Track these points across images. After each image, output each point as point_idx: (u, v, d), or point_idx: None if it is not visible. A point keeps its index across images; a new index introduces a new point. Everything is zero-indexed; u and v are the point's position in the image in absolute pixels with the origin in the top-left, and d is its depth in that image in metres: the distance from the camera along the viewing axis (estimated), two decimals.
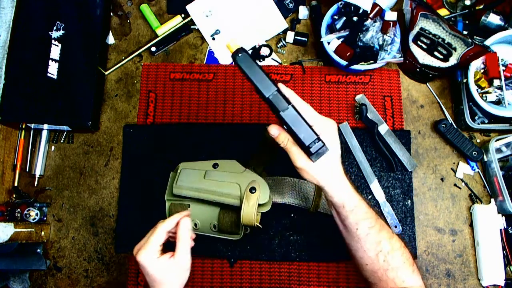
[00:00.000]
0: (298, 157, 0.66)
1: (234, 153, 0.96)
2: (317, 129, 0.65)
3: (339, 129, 0.97)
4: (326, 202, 0.73)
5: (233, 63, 0.99)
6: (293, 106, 0.64)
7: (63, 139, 0.99)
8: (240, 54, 0.65)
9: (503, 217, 0.92)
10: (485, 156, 0.94)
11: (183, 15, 1.05)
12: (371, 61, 0.93)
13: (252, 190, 0.77)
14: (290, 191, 0.87)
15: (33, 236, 0.90)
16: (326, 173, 0.66)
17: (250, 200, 0.76)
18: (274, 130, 0.68)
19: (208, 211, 0.85)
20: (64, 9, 0.96)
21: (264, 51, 1.03)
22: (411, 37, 0.96)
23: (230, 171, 0.83)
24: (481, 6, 0.96)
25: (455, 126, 0.96)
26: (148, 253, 0.66)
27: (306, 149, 0.64)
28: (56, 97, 0.93)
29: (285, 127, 0.66)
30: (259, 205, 0.78)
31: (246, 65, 0.65)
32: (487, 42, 0.92)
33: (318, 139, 0.64)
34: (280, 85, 0.66)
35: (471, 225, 0.93)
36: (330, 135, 0.67)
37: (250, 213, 0.76)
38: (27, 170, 0.97)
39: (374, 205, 0.94)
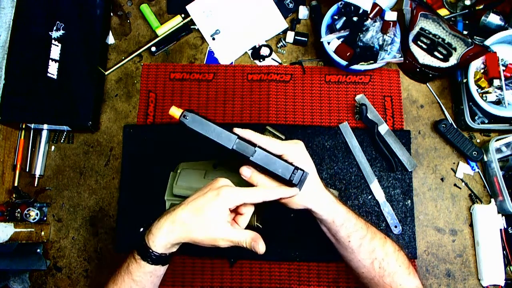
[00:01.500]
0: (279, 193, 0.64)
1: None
2: (289, 157, 0.65)
3: (339, 129, 0.97)
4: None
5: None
6: (259, 147, 0.63)
7: (63, 139, 0.99)
8: (187, 117, 0.62)
9: (503, 217, 0.92)
10: (485, 156, 0.94)
11: (183, 15, 1.05)
12: (371, 61, 0.93)
13: None
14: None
15: (33, 236, 0.90)
16: (310, 195, 0.67)
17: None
18: (246, 171, 0.65)
19: None
20: (64, 9, 0.96)
21: (264, 51, 1.03)
22: (411, 37, 0.96)
23: (230, 170, 0.81)
24: (481, 6, 0.96)
25: (455, 126, 0.96)
26: (235, 196, 0.61)
27: (288, 182, 0.64)
28: (56, 97, 0.93)
29: (259, 169, 0.65)
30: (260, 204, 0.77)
31: (197, 125, 0.63)
32: (487, 42, 0.92)
33: (296, 168, 0.63)
34: (237, 130, 0.64)
35: (471, 225, 0.93)
36: (302, 157, 0.66)
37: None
38: (27, 170, 0.97)
39: (374, 205, 0.94)
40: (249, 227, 0.75)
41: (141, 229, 0.64)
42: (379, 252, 0.68)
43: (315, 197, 0.67)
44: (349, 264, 0.72)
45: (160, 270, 0.64)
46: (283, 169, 0.63)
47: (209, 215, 0.60)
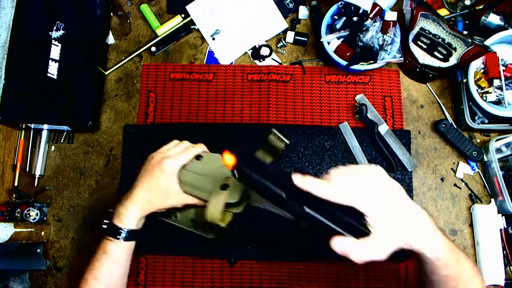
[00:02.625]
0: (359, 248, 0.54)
1: (234, 153, 0.96)
2: (361, 205, 0.53)
3: (339, 129, 0.97)
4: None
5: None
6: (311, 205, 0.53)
7: (63, 139, 0.99)
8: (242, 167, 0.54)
9: (503, 217, 0.92)
10: (485, 156, 0.94)
11: (183, 15, 1.05)
12: (371, 61, 0.93)
13: (225, 187, 0.69)
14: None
15: (33, 236, 0.90)
16: (417, 233, 0.54)
17: (218, 197, 0.68)
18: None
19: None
20: (64, 9, 0.96)
21: (264, 51, 1.03)
22: (411, 37, 0.96)
23: (211, 165, 0.75)
24: (481, 6, 0.96)
25: (455, 126, 0.96)
26: (175, 166, 0.72)
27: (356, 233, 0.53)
28: (56, 97, 0.93)
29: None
30: (230, 204, 0.70)
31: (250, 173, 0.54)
32: (487, 42, 0.92)
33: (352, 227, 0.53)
34: (295, 179, 0.53)
35: (471, 225, 0.93)
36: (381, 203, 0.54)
37: (215, 210, 0.67)
38: (27, 170, 0.97)
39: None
40: (215, 226, 0.70)
41: (106, 221, 0.73)
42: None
43: (424, 236, 0.55)
44: None
45: (133, 244, 0.73)
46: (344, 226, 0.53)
47: (163, 188, 0.72)
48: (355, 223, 0.54)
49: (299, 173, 0.54)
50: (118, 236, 0.70)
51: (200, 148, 0.77)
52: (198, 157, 0.76)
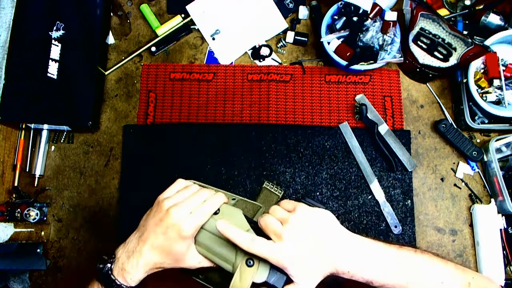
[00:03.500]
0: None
1: (234, 153, 0.96)
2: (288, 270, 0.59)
3: (339, 129, 0.97)
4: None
5: (232, 63, 0.94)
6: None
7: (63, 139, 0.99)
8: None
9: (503, 217, 0.92)
10: (485, 156, 0.94)
11: (183, 15, 1.05)
12: (371, 61, 0.93)
13: (249, 261, 0.61)
14: None
15: (33, 236, 0.90)
16: (332, 259, 0.60)
17: (244, 275, 0.61)
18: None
19: None
20: (64, 9, 0.96)
21: (264, 51, 1.03)
22: (411, 37, 0.96)
23: (231, 223, 0.65)
24: (481, 6, 0.96)
25: (455, 126, 0.96)
26: (194, 228, 0.62)
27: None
28: (56, 97, 0.93)
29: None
30: (256, 284, 0.62)
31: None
32: (487, 42, 0.92)
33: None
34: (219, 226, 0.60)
35: (471, 225, 0.93)
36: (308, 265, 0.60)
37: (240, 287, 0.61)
38: (27, 170, 0.97)
39: (374, 204, 0.94)
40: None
41: (108, 265, 0.64)
42: None
43: (340, 258, 0.60)
44: None
45: None
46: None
47: (178, 253, 0.63)
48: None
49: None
50: None
51: (221, 198, 0.67)
52: (216, 211, 0.67)
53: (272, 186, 0.87)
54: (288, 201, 0.66)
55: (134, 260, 0.62)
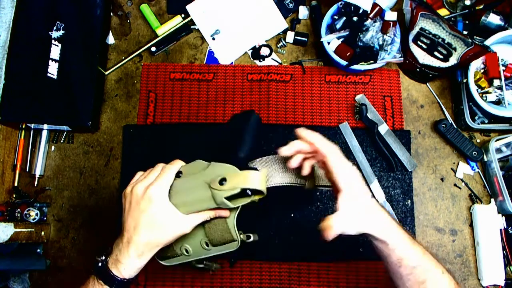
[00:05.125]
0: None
1: (234, 153, 0.96)
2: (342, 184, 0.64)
3: (339, 129, 0.97)
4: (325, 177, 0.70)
5: (232, 63, 0.98)
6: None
7: (63, 139, 0.99)
8: None
9: (503, 217, 0.92)
10: (485, 156, 0.94)
11: (183, 15, 1.05)
12: (371, 61, 0.93)
13: (223, 181, 0.64)
14: (279, 168, 0.74)
15: (33, 236, 0.90)
16: (362, 217, 0.62)
17: (220, 191, 0.64)
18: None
19: (193, 230, 0.69)
20: (64, 9, 0.96)
21: (264, 51, 1.03)
22: (411, 37, 0.96)
23: (195, 173, 0.69)
24: (481, 6, 0.96)
25: (455, 126, 0.96)
26: (162, 189, 0.63)
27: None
28: (56, 97, 0.93)
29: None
30: (253, 193, 0.66)
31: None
32: (487, 42, 0.92)
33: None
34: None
35: (471, 225, 0.93)
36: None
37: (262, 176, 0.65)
38: (27, 170, 0.97)
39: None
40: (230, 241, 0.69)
41: (102, 257, 0.64)
42: (430, 285, 0.63)
43: (368, 218, 0.63)
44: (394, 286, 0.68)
45: None
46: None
47: (161, 220, 0.63)
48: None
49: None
50: (111, 285, 0.62)
51: (177, 164, 0.69)
52: (178, 174, 0.69)
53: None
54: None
55: (125, 249, 0.62)
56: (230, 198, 0.64)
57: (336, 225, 0.62)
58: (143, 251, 0.62)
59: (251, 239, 0.76)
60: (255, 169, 0.65)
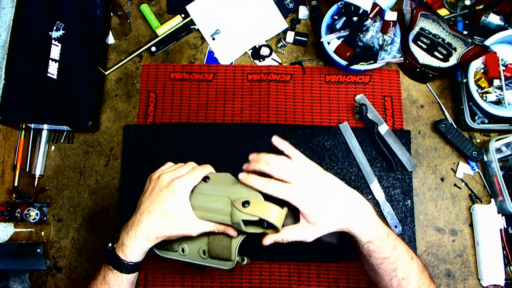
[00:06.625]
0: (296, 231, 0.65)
1: (234, 153, 0.96)
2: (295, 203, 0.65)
3: (339, 129, 0.97)
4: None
5: (232, 63, 0.98)
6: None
7: (63, 139, 0.99)
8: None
9: (503, 217, 0.92)
10: (485, 156, 0.94)
11: (183, 15, 1.05)
12: (371, 61, 0.93)
13: (245, 204, 0.65)
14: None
15: (33, 236, 0.90)
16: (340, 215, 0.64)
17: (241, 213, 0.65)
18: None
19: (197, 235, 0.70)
20: (64, 9, 0.96)
21: (264, 51, 1.03)
22: (411, 37, 0.96)
23: (221, 184, 0.71)
24: (481, 6, 0.96)
25: (455, 126, 0.96)
26: (186, 186, 0.65)
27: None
28: (56, 97, 0.93)
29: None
30: (268, 227, 0.67)
31: None
32: (487, 42, 0.92)
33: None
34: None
35: (471, 225, 0.93)
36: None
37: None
38: (27, 170, 0.97)
39: (374, 204, 0.93)
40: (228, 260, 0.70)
41: (110, 245, 0.67)
42: (401, 271, 0.65)
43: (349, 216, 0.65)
44: (368, 274, 0.71)
45: (136, 275, 0.68)
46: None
47: (175, 214, 0.64)
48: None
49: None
50: (119, 269, 0.64)
51: (208, 168, 0.71)
52: (205, 179, 0.71)
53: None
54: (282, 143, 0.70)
55: (132, 232, 0.64)
56: (245, 222, 0.65)
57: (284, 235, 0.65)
58: (148, 237, 0.64)
59: (244, 262, 0.78)
60: (279, 204, 0.65)
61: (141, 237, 0.64)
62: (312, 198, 0.64)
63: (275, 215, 0.64)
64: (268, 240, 0.66)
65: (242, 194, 0.67)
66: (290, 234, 0.65)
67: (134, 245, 0.64)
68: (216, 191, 0.68)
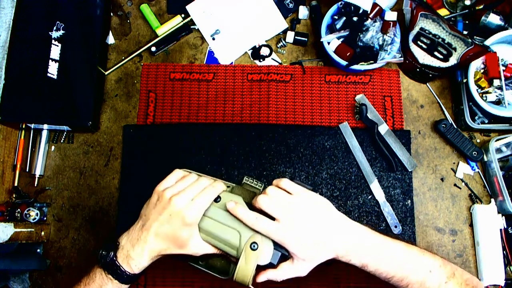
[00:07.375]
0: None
1: (234, 153, 0.96)
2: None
3: (339, 129, 0.97)
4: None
5: (232, 63, 0.99)
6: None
7: (63, 139, 0.99)
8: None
9: (503, 217, 0.92)
10: (485, 156, 0.94)
11: (183, 15, 1.05)
12: (371, 61, 0.93)
13: (253, 245, 0.65)
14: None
15: (33, 236, 0.90)
16: (324, 244, 0.65)
17: (249, 258, 0.65)
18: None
19: None
20: (64, 9, 0.96)
21: (264, 51, 1.03)
22: (411, 37, 0.96)
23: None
24: (481, 6, 0.96)
25: (455, 126, 0.96)
26: (197, 215, 0.65)
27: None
28: (56, 97, 0.93)
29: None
30: (261, 266, 0.67)
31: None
32: (487, 42, 0.92)
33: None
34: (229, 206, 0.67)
35: (471, 225, 0.93)
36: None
37: (246, 273, 0.65)
38: (27, 170, 0.97)
39: (374, 204, 0.94)
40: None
41: (111, 253, 0.65)
42: (416, 286, 0.65)
43: (334, 243, 0.65)
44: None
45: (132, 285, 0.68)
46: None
47: (183, 240, 0.65)
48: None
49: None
50: (121, 280, 0.64)
51: (220, 187, 0.69)
52: (216, 198, 0.69)
53: (252, 181, 0.83)
54: (286, 181, 0.70)
55: (139, 247, 0.64)
56: None
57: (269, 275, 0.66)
58: (154, 255, 0.66)
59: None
60: (286, 250, 0.66)
61: (149, 254, 0.65)
62: (299, 235, 0.64)
63: (278, 260, 0.66)
64: (262, 278, 0.67)
65: (252, 231, 0.66)
66: (283, 273, 0.66)
67: (141, 260, 0.65)
68: (227, 221, 0.67)
